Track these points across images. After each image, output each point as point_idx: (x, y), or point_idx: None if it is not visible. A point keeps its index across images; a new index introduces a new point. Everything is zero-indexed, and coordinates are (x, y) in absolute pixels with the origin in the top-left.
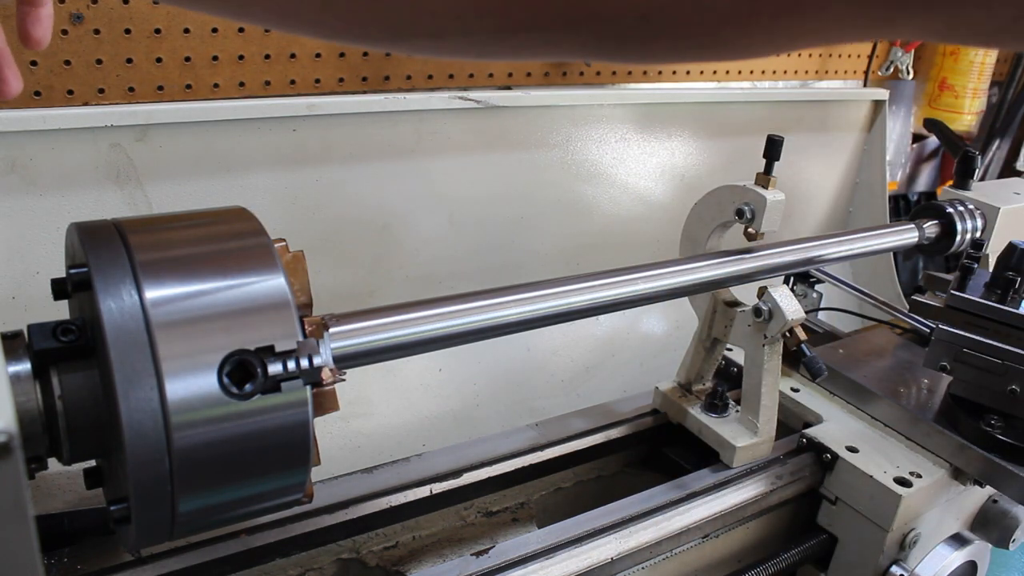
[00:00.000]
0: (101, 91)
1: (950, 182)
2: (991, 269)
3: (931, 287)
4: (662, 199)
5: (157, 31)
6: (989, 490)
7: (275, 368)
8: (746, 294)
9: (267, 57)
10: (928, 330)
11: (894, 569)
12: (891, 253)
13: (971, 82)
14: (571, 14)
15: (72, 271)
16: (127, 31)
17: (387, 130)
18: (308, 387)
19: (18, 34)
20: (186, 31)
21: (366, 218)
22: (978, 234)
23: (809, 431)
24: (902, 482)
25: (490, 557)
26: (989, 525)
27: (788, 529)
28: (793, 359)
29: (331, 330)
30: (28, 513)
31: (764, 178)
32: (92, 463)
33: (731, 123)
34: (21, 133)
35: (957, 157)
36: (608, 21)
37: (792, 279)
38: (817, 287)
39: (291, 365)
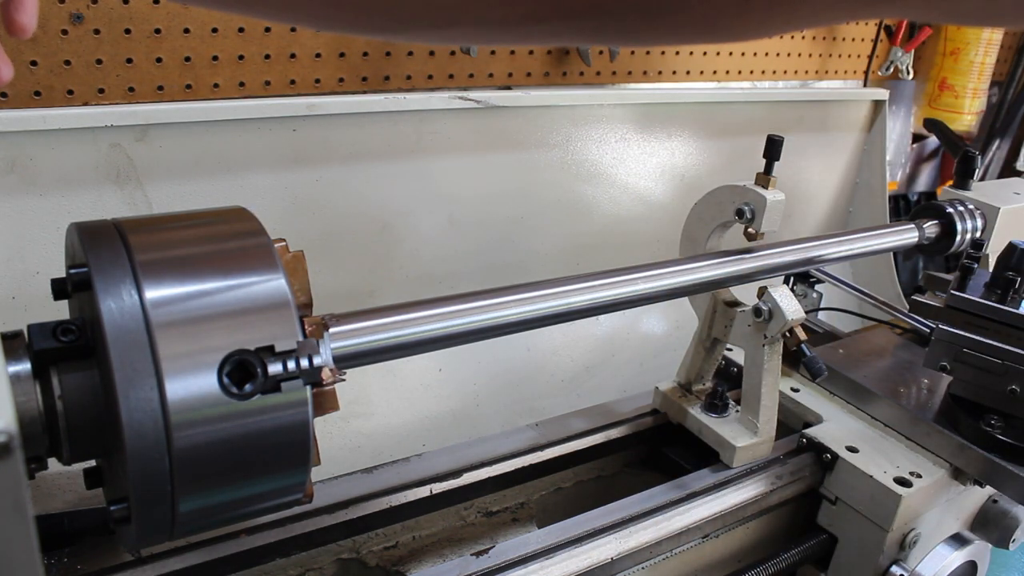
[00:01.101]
0: (101, 91)
1: (950, 182)
2: (991, 269)
3: (931, 287)
4: (662, 199)
5: (157, 31)
6: (989, 490)
7: (275, 368)
8: (746, 294)
9: (267, 57)
10: (928, 330)
11: (894, 569)
12: (891, 253)
13: (971, 82)
14: (574, 4)
15: (72, 271)
16: (127, 31)
17: (387, 130)
18: (308, 387)
19: (2, 22)
20: (186, 31)
21: (366, 218)
22: (978, 234)
23: (809, 431)
24: (902, 482)
25: (490, 557)
26: (989, 525)
27: (788, 529)
28: (793, 359)
29: (331, 330)
30: (28, 513)
31: (764, 178)
32: (92, 463)
33: (731, 123)
34: (21, 133)
35: (957, 157)
36: (609, 9)
37: (792, 279)
38: (817, 287)
39: (291, 365)
